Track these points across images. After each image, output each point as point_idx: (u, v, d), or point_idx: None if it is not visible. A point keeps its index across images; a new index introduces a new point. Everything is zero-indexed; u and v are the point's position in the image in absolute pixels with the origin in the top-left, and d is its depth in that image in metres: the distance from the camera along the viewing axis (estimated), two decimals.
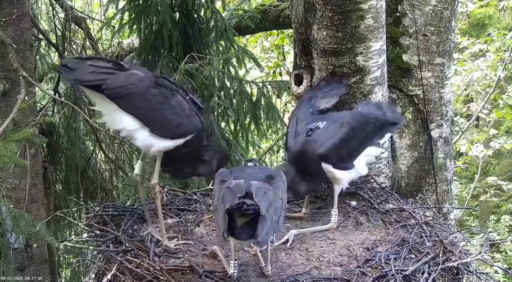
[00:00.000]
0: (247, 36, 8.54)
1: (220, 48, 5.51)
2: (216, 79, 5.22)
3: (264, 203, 2.87)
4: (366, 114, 3.65)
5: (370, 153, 3.69)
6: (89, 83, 3.15)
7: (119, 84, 3.14)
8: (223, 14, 5.70)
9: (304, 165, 3.58)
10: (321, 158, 3.54)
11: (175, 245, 3.40)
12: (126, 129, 3.25)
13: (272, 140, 7.42)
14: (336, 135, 3.55)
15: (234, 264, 3.07)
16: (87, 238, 3.70)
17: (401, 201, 3.92)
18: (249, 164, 3.39)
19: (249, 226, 2.83)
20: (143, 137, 3.25)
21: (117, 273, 3.20)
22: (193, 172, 3.59)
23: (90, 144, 6.48)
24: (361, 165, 3.65)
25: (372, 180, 4.02)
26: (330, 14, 3.72)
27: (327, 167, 3.56)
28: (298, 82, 4.22)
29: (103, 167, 6.42)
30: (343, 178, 3.60)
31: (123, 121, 3.23)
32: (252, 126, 5.53)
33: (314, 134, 3.60)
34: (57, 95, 6.00)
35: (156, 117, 3.23)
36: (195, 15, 5.34)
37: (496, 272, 8.14)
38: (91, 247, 3.58)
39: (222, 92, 5.23)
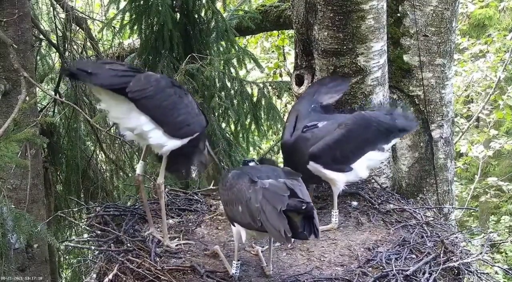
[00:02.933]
0: (247, 37, 8.54)
1: (221, 49, 5.51)
2: (216, 80, 5.22)
3: (309, 200, 2.87)
4: (368, 118, 3.60)
5: (372, 157, 3.63)
6: (113, 87, 3.18)
7: (141, 86, 3.19)
8: (224, 15, 5.69)
9: (293, 160, 3.57)
10: (311, 157, 3.53)
11: (177, 245, 3.42)
12: (141, 129, 3.28)
13: (273, 140, 7.43)
14: (331, 136, 3.54)
15: (236, 264, 3.08)
16: (88, 238, 3.70)
17: (402, 201, 3.93)
18: (250, 164, 3.37)
19: (307, 223, 2.79)
20: (157, 136, 3.28)
21: (119, 273, 3.21)
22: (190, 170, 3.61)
23: (91, 144, 6.47)
24: (361, 168, 3.60)
25: (373, 180, 4.03)
26: (331, 15, 3.72)
27: (317, 167, 3.55)
28: (299, 82, 4.22)
29: (104, 167, 6.41)
30: (336, 179, 3.58)
31: (138, 122, 3.26)
32: (253, 127, 5.52)
33: (309, 132, 3.59)
34: (57, 95, 5.99)
35: (171, 117, 3.28)
36: (196, 16, 5.33)
37: (496, 272, 8.14)
38: (92, 247, 3.58)
39: (222, 93, 5.23)
